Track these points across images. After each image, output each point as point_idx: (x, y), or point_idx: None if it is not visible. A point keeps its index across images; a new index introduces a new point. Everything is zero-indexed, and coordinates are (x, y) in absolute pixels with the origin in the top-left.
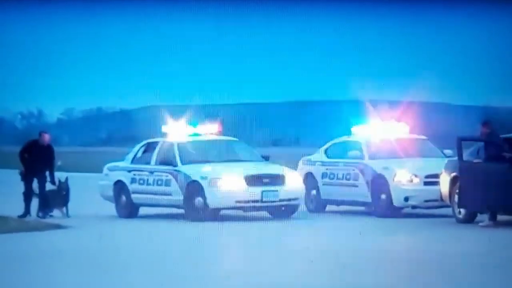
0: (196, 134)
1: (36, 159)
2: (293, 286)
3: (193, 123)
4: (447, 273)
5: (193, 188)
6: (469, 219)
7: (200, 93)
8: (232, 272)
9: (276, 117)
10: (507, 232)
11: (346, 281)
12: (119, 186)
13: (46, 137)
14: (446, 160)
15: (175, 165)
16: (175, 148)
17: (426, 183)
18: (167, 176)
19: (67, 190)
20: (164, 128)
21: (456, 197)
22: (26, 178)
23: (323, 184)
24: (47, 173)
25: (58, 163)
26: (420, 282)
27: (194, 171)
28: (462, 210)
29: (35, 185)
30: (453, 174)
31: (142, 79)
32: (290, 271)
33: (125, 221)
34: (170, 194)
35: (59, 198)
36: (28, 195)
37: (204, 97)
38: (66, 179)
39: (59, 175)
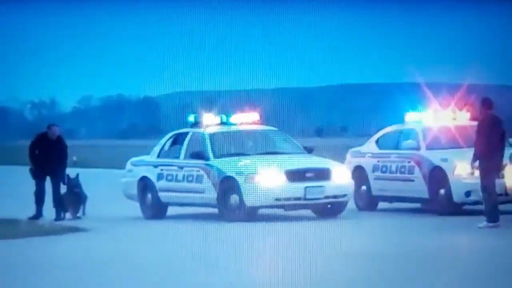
0: (230, 124)
1: (47, 155)
2: None
3: (227, 112)
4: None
5: (228, 185)
6: None
7: (234, 78)
8: (272, 278)
9: (320, 103)
10: None
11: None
12: (144, 183)
13: (56, 130)
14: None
15: (207, 159)
16: (207, 140)
17: None
18: (198, 171)
19: (79, 187)
20: (193, 118)
21: None
22: (38, 176)
23: (374, 179)
24: (61, 170)
25: (74, 158)
26: None
27: (229, 166)
28: None
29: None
30: None
31: (168, 62)
32: (338, 277)
33: (152, 223)
34: (202, 192)
35: (71, 197)
36: (40, 195)
37: (238, 82)
38: (77, 175)
39: (74, 172)
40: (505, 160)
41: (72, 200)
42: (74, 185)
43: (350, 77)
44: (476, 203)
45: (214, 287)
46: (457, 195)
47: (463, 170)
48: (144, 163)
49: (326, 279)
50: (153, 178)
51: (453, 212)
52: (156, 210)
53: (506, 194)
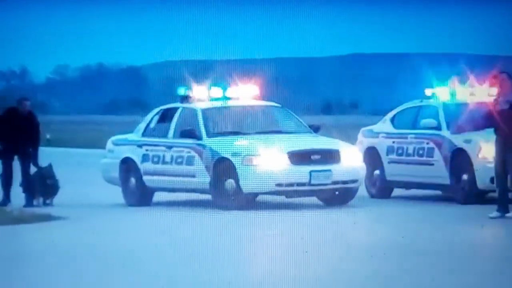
0: (226, 98)
1: (16, 132)
2: None
3: (222, 84)
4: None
5: (223, 168)
6: None
7: (231, 45)
8: (273, 272)
9: (328, 76)
10: None
11: (424, 285)
12: (127, 165)
13: (27, 105)
14: None
15: (199, 138)
16: (199, 116)
17: None
18: (189, 152)
19: (52, 178)
20: (184, 91)
21: None
22: (5, 156)
23: (389, 162)
24: (31, 150)
25: (47, 136)
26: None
27: (224, 146)
28: None
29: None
30: None
31: (155, 27)
32: (348, 272)
33: (135, 210)
34: (193, 176)
35: (43, 186)
36: (7, 178)
37: (236, 50)
38: (50, 165)
39: (47, 152)
40: None
41: (43, 191)
42: (47, 176)
43: (362, 46)
44: None
45: (208, 285)
46: (482, 181)
47: (489, 153)
48: (127, 143)
49: (332, 274)
50: (137, 159)
51: (477, 201)
52: (140, 196)
53: None
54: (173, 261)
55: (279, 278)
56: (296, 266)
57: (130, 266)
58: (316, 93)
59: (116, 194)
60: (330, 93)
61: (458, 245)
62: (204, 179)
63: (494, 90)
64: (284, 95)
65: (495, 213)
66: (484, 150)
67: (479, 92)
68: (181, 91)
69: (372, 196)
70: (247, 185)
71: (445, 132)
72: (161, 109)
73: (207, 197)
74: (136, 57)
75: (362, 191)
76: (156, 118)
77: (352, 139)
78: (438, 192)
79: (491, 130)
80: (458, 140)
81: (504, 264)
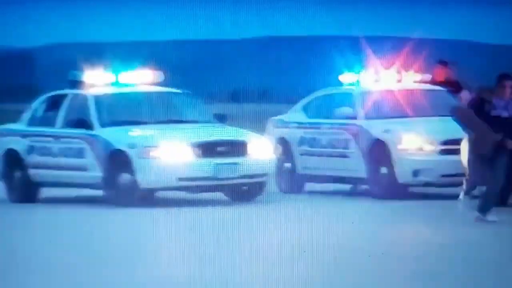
0: (122, 84)
1: None
2: None
3: (118, 68)
4: (474, 276)
5: (117, 161)
6: (502, 200)
7: (128, 26)
8: (173, 277)
9: (235, 60)
10: None
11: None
12: (10, 158)
13: None
14: None
15: (91, 128)
16: (91, 103)
17: (443, 152)
18: (79, 143)
19: None
20: (75, 75)
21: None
22: None
23: (301, 154)
24: None
25: None
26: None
27: (119, 137)
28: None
29: None
30: None
31: (44, 5)
32: (256, 275)
33: (20, 208)
34: (84, 169)
35: None
36: None
37: (133, 31)
38: None
39: None
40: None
41: None
42: None
43: (273, 29)
44: (426, 184)
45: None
46: (403, 175)
47: (410, 144)
48: (10, 133)
49: (245, 277)
50: (21, 151)
51: (397, 195)
52: (25, 191)
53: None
54: (60, 261)
55: (176, 278)
56: (199, 266)
57: (9, 267)
58: (223, 79)
59: None
60: (238, 79)
61: (375, 244)
62: (96, 173)
63: (416, 76)
64: (188, 81)
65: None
66: (405, 141)
67: (405, 77)
68: (72, 76)
69: (283, 191)
70: (144, 180)
71: (362, 122)
72: (48, 96)
73: (100, 193)
74: (23, 38)
75: (272, 185)
76: (43, 106)
77: (261, 129)
78: (354, 187)
79: (414, 119)
80: (377, 130)
81: (414, 263)
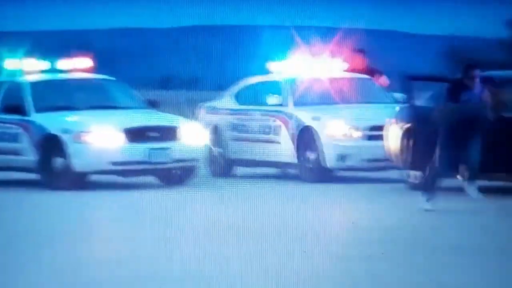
0: (56, 71)
1: None
2: (194, 275)
3: (51, 56)
4: (392, 258)
5: (52, 145)
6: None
7: (60, 14)
8: (108, 260)
9: (167, 48)
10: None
11: (266, 266)
12: None
13: None
14: (397, 107)
15: (26, 114)
16: (26, 90)
17: (369, 138)
18: (15, 128)
19: None
20: (9, 63)
21: (407, 156)
22: None
23: (232, 140)
24: None
25: None
26: (362, 269)
27: (53, 122)
28: (417, 173)
29: None
30: (406, 125)
31: None
32: (187, 255)
33: None
34: (19, 153)
35: None
36: None
37: (66, 19)
38: None
39: None
40: (389, 118)
41: None
42: None
43: (203, 17)
44: (352, 168)
45: (28, 270)
46: (330, 160)
47: (337, 130)
48: None
49: (177, 258)
50: None
51: (325, 179)
52: None
53: (389, 159)
54: None
55: (105, 260)
56: (132, 248)
57: None
58: (155, 66)
59: None
60: (170, 66)
61: (305, 225)
62: (31, 157)
63: (343, 65)
64: (120, 68)
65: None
66: (332, 127)
67: (332, 66)
68: (6, 63)
69: (215, 174)
70: (78, 164)
71: (290, 109)
72: None
73: (35, 176)
74: None
75: (203, 169)
76: None
77: (193, 115)
78: (284, 171)
79: (341, 106)
80: (306, 117)
81: (337, 244)
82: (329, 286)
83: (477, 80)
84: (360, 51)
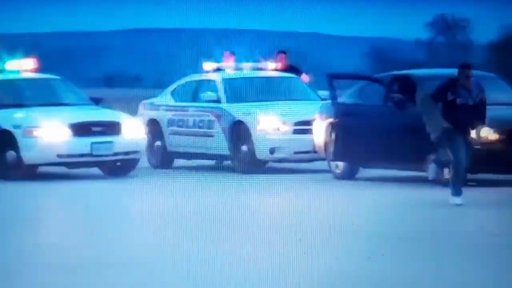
0: (7, 72)
1: None
2: (133, 261)
3: (4, 57)
4: (315, 243)
5: (4, 139)
6: (349, 175)
7: (13, 20)
8: (50, 245)
9: (111, 49)
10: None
11: (198, 251)
12: None
13: None
14: (321, 103)
15: None
16: None
17: (296, 132)
18: None
19: None
20: None
21: (332, 148)
22: None
23: (170, 134)
24: None
25: None
26: (284, 253)
27: (5, 118)
28: (340, 164)
29: None
30: (329, 120)
31: None
32: (128, 243)
33: None
34: None
35: None
36: None
37: (19, 24)
38: None
39: None
40: (314, 113)
41: None
42: None
43: (144, 21)
44: (281, 160)
45: None
46: (261, 152)
47: (267, 125)
48: None
49: (116, 245)
50: None
51: (256, 170)
52: None
53: (315, 151)
54: None
55: (57, 247)
56: (77, 234)
57: None
58: (99, 65)
59: None
60: (113, 66)
61: (239, 213)
62: None
63: (272, 65)
64: (65, 67)
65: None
66: (263, 122)
67: (264, 67)
68: None
69: (154, 166)
70: (28, 157)
71: (224, 105)
72: None
73: None
74: None
75: (144, 162)
76: None
77: (134, 112)
78: (218, 162)
79: (272, 103)
80: (238, 113)
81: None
82: (255, 269)
83: (472, 79)
84: (282, 52)
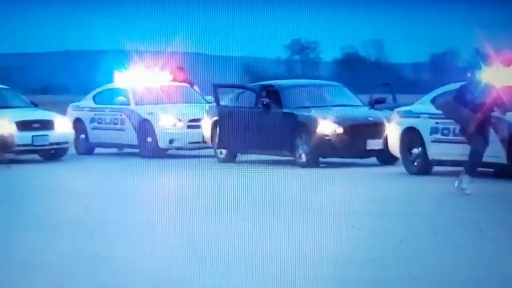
0: None
1: None
2: (63, 227)
3: None
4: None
5: None
6: (230, 159)
7: None
8: None
9: (46, 66)
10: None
11: (102, 225)
12: None
13: None
14: (207, 105)
15: None
16: None
17: (189, 127)
18: None
19: None
20: None
21: (216, 139)
22: None
23: (92, 129)
24: None
25: None
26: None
27: None
28: (223, 151)
29: None
30: (214, 118)
31: None
32: (62, 218)
33: None
34: None
35: None
36: None
37: None
38: None
39: None
40: (202, 113)
41: None
42: None
43: (72, 44)
44: (178, 148)
45: None
46: (162, 142)
47: (167, 122)
48: None
49: (53, 216)
50: None
51: (159, 156)
52: None
53: (204, 141)
54: None
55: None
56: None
57: None
58: (38, 79)
59: None
60: (48, 78)
61: (145, 191)
62: None
63: (169, 76)
64: (10, 82)
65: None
66: (163, 120)
67: (161, 78)
68: None
69: (79, 153)
70: None
71: (133, 107)
72: None
73: None
74: None
75: (72, 150)
76: None
77: (64, 112)
78: (134, 151)
79: (168, 105)
80: (144, 113)
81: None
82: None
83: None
84: (181, 68)
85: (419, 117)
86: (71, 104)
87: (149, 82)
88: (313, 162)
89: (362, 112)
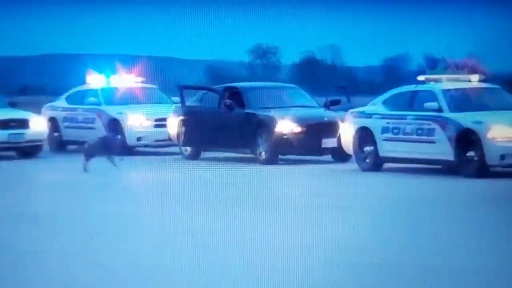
0: None
1: None
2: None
3: None
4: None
5: None
6: (194, 156)
7: None
8: None
9: (23, 69)
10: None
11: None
12: None
13: None
14: (174, 106)
15: None
16: None
17: (156, 125)
18: None
19: None
20: None
21: (182, 137)
22: None
23: (65, 127)
24: None
25: None
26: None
27: None
28: (188, 148)
29: None
30: (180, 117)
31: None
32: (38, 200)
33: None
34: None
35: None
36: None
37: None
38: None
39: None
40: (169, 113)
41: None
42: None
43: (51, 48)
44: (146, 145)
45: None
46: (130, 140)
47: (135, 121)
48: None
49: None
50: None
51: (126, 153)
52: None
53: (170, 139)
54: None
55: None
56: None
57: None
58: (16, 80)
59: None
60: (25, 81)
61: (117, 185)
62: None
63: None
64: None
65: None
66: (131, 119)
67: (131, 79)
68: None
69: (52, 150)
70: None
71: (103, 107)
72: None
73: None
74: None
75: (46, 147)
76: None
77: (39, 112)
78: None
79: (137, 105)
80: (113, 112)
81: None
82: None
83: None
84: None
85: (371, 117)
86: (46, 105)
87: (119, 83)
88: (272, 159)
89: (318, 112)
